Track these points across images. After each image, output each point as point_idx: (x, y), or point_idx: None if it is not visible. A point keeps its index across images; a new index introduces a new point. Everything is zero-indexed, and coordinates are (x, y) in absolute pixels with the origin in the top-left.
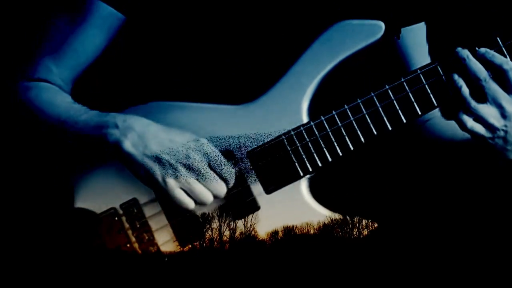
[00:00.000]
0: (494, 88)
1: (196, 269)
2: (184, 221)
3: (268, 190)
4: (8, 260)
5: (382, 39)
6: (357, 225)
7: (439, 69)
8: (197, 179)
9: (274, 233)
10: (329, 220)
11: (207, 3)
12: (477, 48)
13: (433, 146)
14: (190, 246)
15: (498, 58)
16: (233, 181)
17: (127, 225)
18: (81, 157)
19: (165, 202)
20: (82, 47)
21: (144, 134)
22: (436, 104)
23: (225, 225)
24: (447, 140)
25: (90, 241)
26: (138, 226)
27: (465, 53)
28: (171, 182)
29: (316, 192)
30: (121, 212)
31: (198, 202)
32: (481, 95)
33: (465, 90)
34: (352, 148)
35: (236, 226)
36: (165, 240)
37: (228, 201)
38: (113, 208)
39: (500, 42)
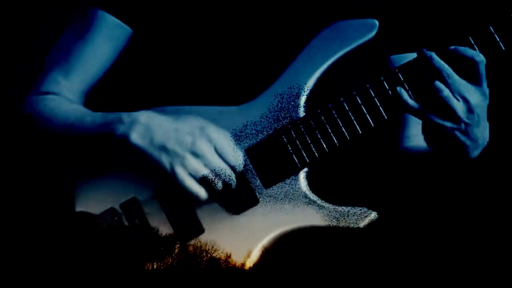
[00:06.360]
0: (458, 81)
1: None
2: (182, 217)
3: (267, 184)
4: (8, 261)
5: (377, 37)
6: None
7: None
8: (205, 165)
9: None
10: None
11: (206, 5)
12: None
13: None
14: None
15: (469, 51)
16: (242, 166)
17: (126, 224)
18: (81, 163)
19: (164, 199)
20: (90, 58)
21: (149, 125)
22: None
23: None
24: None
25: (90, 242)
26: (137, 223)
27: (429, 53)
28: (180, 171)
29: (315, 185)
30: (120, 211)
31: (209, 190)
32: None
33: (443, 88)
34: (349, 138)
35: None
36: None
37: (228, 196)
38: (113, 208)
39: (472, 41)
